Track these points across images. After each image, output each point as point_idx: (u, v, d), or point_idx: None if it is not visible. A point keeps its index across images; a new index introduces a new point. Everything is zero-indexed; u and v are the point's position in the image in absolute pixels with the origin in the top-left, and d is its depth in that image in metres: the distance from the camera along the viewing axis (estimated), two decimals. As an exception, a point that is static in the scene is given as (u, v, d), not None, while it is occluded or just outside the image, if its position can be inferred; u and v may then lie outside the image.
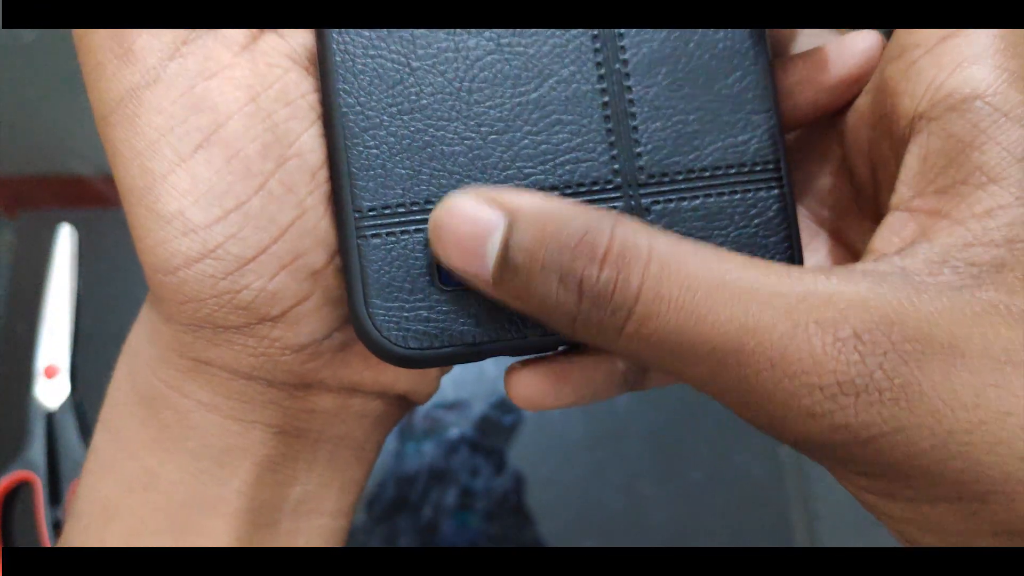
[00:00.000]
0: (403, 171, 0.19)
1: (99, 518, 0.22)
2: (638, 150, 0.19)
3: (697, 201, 0.20)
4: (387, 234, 0.19)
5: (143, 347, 0.21)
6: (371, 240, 0.19)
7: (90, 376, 0.46)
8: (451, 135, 0.19)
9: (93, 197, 0.50)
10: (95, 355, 0.47)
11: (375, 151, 0.19)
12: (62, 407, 0.45)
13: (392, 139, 0.19)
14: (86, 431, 0.46)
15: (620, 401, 0.47)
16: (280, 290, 0.19)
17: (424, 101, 0.19)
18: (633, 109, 0.19)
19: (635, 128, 0.19)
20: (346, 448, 0.23)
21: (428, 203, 0.19)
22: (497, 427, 0.47)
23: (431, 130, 0.19)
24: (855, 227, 0.22)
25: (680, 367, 0.16)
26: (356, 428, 0.22)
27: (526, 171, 0.19)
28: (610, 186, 0.19)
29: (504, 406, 0.47)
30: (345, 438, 0.22)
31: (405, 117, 0.19)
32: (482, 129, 0.19)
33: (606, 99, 0.19)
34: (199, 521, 0.21)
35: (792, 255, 0.20)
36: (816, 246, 0.23)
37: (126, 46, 0.18)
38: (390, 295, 0.19)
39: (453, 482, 0.46)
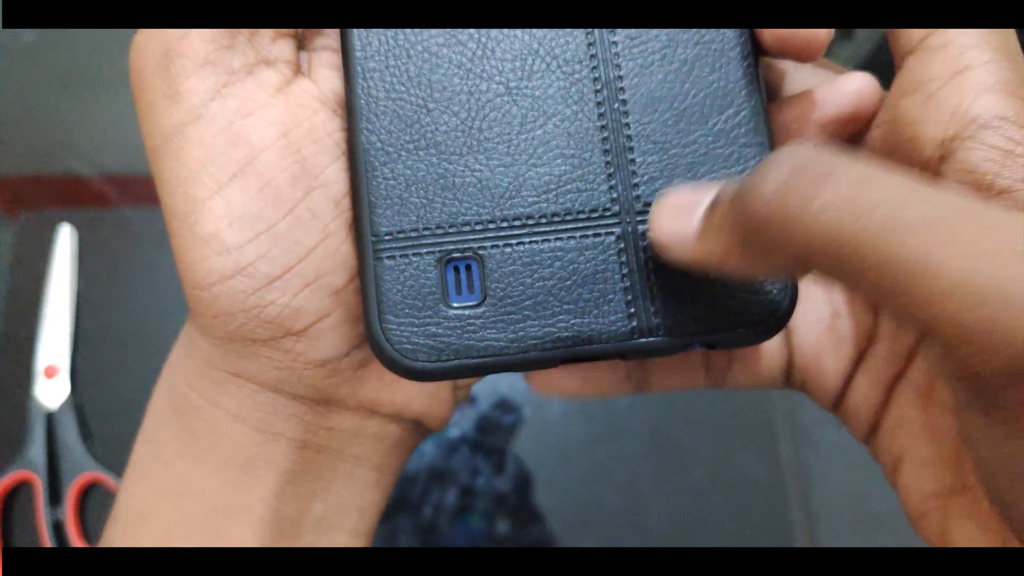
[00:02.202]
0: (417, 200, 0.21)
1: (135, 522, 0.23)
2: (635, 181, 0.21)
3: None
4: (401, 256, 0.21)
5: (181, 361, 0.23)
6: (386, 261, 0.20)
7: (90, 376, 0.47)
8: (462, 168, 0.21)
9: (93, 197, 0.50)
10: (95, 355, 0.47)
11: (392, 182, 0.21)
12: (62, 407, 0.46)
13: (408, 172, 0.21)
14: (86, 431, 0.46)
15: (620, 401, 0.48)
16: (303, 306, 0.21)
17: (439, 138, 0.21)
18: (631, 144, 0.21)
19: (633, 160, 0.21)
20: (364, 470, 0.24)
21: (439, 228, 0.21)
22: (497, 427, 0.47)
23: (444, 164, 0.21)
24: None
25: (889, 251, 0.14)
26: (374, 451, 0.24)
27: (530, 199, 0.21)
28: (608, 213, 0.21)
29: (504, 406, 0.47)
30: (363, 460, 0.24)
31: (421, 152, 0.21)
32: (491, 162, 0.21)
33: (605, 135, 0.21)
34: (226, 527, 0.23)
35: (785, 281, 0.21)
36: None
37: (174, 88, 0.20)
38: (402, 312, 0.20)
39: (453, 482, 0.46)
